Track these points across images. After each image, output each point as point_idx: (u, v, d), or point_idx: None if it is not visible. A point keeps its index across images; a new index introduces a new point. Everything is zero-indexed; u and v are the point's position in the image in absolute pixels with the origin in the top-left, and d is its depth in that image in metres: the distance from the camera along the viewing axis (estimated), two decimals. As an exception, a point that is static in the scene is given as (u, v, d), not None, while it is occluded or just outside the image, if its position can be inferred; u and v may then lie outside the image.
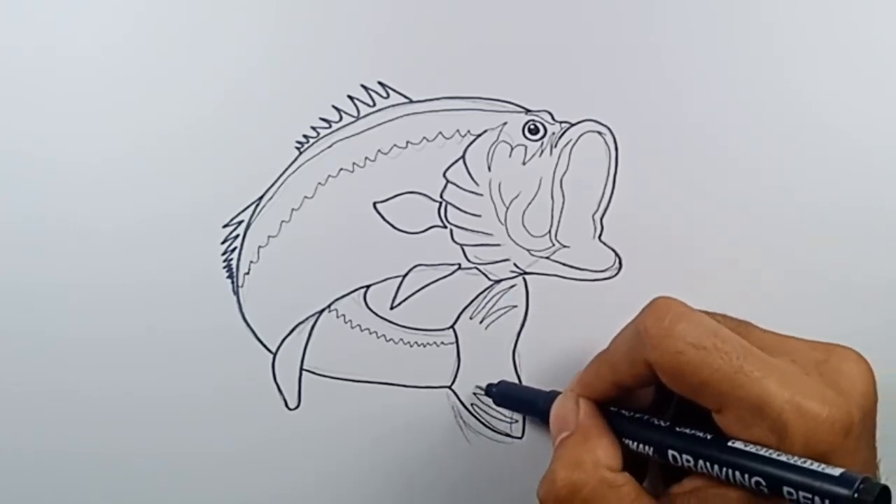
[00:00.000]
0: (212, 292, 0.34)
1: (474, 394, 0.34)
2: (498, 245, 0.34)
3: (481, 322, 0.34)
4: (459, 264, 0.34)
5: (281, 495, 0.36)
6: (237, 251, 0.34)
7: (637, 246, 0.33)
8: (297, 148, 0.33)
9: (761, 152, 0.33)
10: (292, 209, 0.34)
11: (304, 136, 0.33)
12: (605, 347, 0.29)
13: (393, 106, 0.33)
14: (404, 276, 0.34)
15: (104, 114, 0.33)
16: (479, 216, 0.33)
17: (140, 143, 0.33)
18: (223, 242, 0.34)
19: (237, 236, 0.34)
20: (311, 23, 0.33)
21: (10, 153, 0.33)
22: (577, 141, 0.33)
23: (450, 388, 0.35)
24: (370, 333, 0.35)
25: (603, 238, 0.33)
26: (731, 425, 0.24)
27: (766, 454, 0.23)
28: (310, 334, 0.34)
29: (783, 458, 0.22)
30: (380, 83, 0.33)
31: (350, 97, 0.33)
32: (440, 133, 0.33)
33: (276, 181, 0.33)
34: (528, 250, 0.34)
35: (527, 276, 0.34)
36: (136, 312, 0.34)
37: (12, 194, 0.33)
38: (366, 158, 0.33)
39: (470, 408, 0.35)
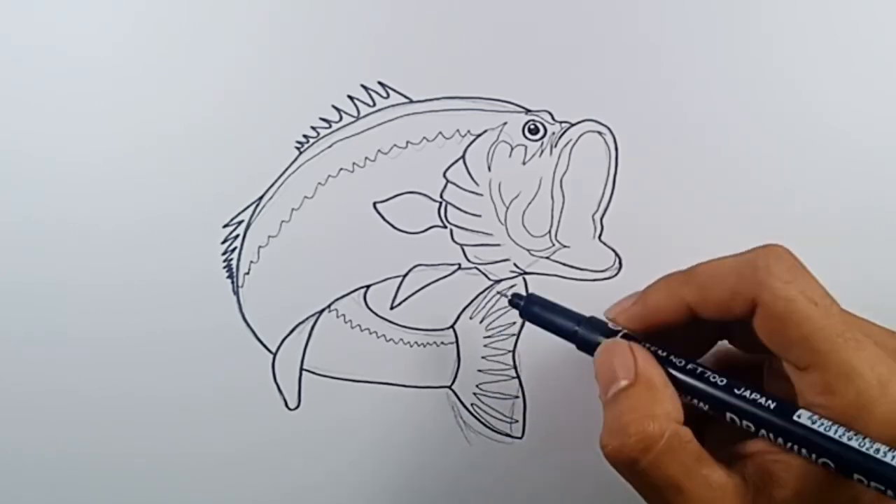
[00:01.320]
0: (212, 292, 0.34)
1: (498, 293, 0.33)
2: (498, 245, 0.34)
3: (481, 322, 0.34)
4: (459, 264, 0.34)
5: (281, 495, 0.36)
6: (237, 251, 0.34)
7: (637, 246, 0.33)
8: (297, 148, 0.33)
9: (761, 152, 0.33)
10: (292, 209, 0.34)
11: (304, 136, 0.33)
12: (681, 272, 0.27)
13: (393, 106, 0.33)
14: (404, 276, 0.34)
15: (104, 114, 0.33)
16: (479, 216, 0.33)
17: (140, 143, 0.33)
18: (223, 242, 0.34)
19: (237, 236, 0.34)
20: (311, 23, 0.33)
21: (11, 153, 0.33)
22: (577, 141, 0.33)
23: (450, 388, 0.35)
24: (370, 333, 0.35)
25: (603, 238, 0.33)
26: (813, 388, 0.24)
27: (838, 437, 0.22)
28: (310, 334, 0.34)
29: (855, 442, 0.22)
30: (380, 83, 0.33)
31: (350, 97, 0.33)
32: (440, 133, 0.33)
33: (276, 181, 0.33)
34: (528, 250, 0.34)
35: (527, 276, 0.34)
36: (137, 312, 0.34)
37: (14, 194, 0.33)
38: (366, 158, 0.33)
39: (470, 408, 0.35)
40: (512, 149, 0.33)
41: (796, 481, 0.24)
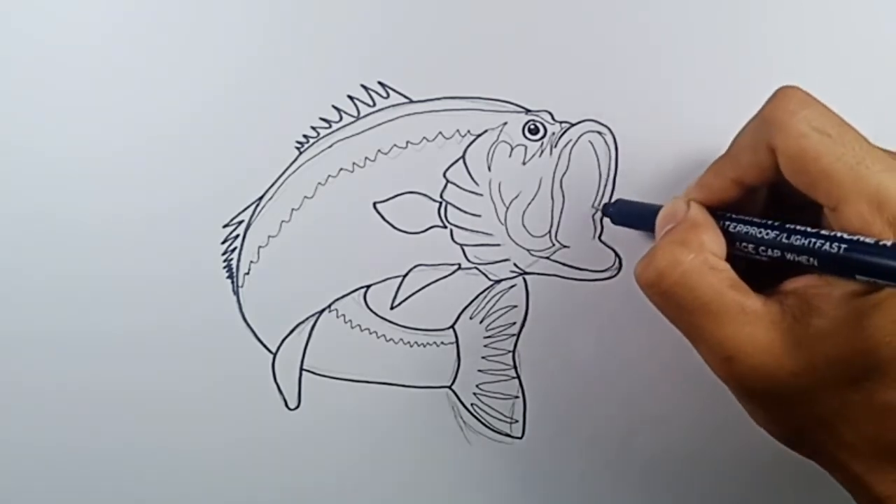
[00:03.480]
0: (212, 292, 0.34)
1: (594, 215, 0.33)
2: (498, 245, 0.34)
3: (481, 322, 0.34)
4: (459, 264, 0.34)
5: (281, 495, 0.36)
6: (237, 251, 0.34)
7: (637, 246, 0.33)
8: (297, 148, 0.33)
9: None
10: (292, 209, 0.34)
11: (304, 136, 0.33)
12: (727, 150, 0.28)
13: (393, 106, 0.33)
14: (404, 276, 0.34)
15: (104, 113, 0.33)
16: (479, 216, 0.33)
17: (140, 142, 0.33)
18: (223, 242, 0.34)
19: (237, 236, 0.34)
20: (312, 23, 0.33)
21: (12, 152, 0.33)
22: (577, 141, 0.33)
23: (450, 388, 0.35)
24: (370, 333, 0.35)
25: (603, 238, 0.33)
26: (847, 222, 0.23)
27: (888, 243, 0.22)
28: (310, 334, 0.34)
29: None
30: (380, 83, 0.33)
31: (350, 97, 0.33)
32: (440, 133, 0.33)
33: (276, 181, 0.33)
34: (528, 250, 0.34)
35: (527, 276, 0.34)
36: (136, 312, 0.34)
37: (15, 194, 0.33)
38: (366, 158, 0.33)
39: (470, 408, 0.35)
40: (512, 149, 0.33)
41: (835, 311, 0.24)
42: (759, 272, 0.27)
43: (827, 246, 0.23)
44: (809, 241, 0.24)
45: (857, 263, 0.23)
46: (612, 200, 0.33)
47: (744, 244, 0.26)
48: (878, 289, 0.23)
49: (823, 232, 0.24)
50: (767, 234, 0.26)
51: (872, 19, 0.33)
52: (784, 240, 0.25)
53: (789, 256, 0.25)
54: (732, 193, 0.27)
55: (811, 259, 0.24)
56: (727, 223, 0.27)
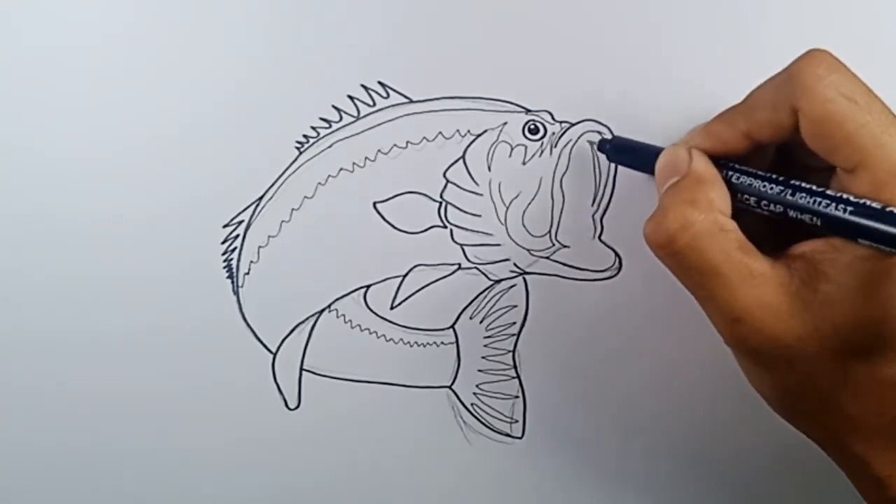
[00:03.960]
0: (212, 292, 0.34)
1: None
2: (498, 245, 0.34)
3: (481, 322, 0.34)
4: (459, 264, 0.34)
5: (281, 495, 0.36)
6: (237, 251, 0.34)
7: (637, 246, 0.33)
8: (297, 148, 0.33)
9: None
10: (292, 209, 0.34)
11: (304, 136, 0.33)
12: (740, 102, 0.28)
13: (393, 106, 0.33)
14: (404, 276, 0.34)
15: (104, 113, 0.33)
16: (479, 216, 0.33)
17: (140, 142, 0.33)
18: (223, 242, 0.34)
19: (237, 236, 0.34)
20: (312, 23, 0.33)
21: (12, 152, 0.33)
22: (577, 141, 0.33)
23: (450, 388, 0.35)
24: (370, 333, 0.35)
25: (603, 238, 0.33)
26: (864, 187, 0.23)
27: (895, 210, 0.22)
28: (310, 334, 0.34)
29: None
30: (380, 83, 0.33)
31: (350, 97, 0.33)
32: (440, 133, 0.33)
33: (276, 181, 0.33)
34: (528, 250, 0.34)
35: (527, 276, 0.34)
36: (136, 312, 0.34)
37: (15, 194, 0.33)
38: (366, 158, 0.33)
39: (470, 408, 0.35)
40: (512, 149, 0.33)
41: (841, 276, 0.24)
42: (761, 229, 0.26)
43: (833, 208, 0.23)
44: (814, 200, 0.24)
45: (861, 228, 0.23)
46: (610, 138, 0.32)
47: (746, 196, 0.26)
48: (884, 257, 0.23)
49: (829, 192, 0.24)
50: (772, 188, 0.25)
51: (872, 19, 0.33)
52: (788, 196, 0.25)
53: (792, 214, 0.25)
54: (740, 146, 0.27)
55: (814, 218, 0.24)
56: (730, 173, 0.27)
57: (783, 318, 0.24)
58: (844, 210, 0.23)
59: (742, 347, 0.25)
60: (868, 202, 0.23)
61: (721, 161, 0.27)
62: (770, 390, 0.27)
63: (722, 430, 0.35)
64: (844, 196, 0.23)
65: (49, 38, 0.33)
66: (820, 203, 0.24)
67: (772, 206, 0.25)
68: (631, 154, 0.31)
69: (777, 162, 0.29)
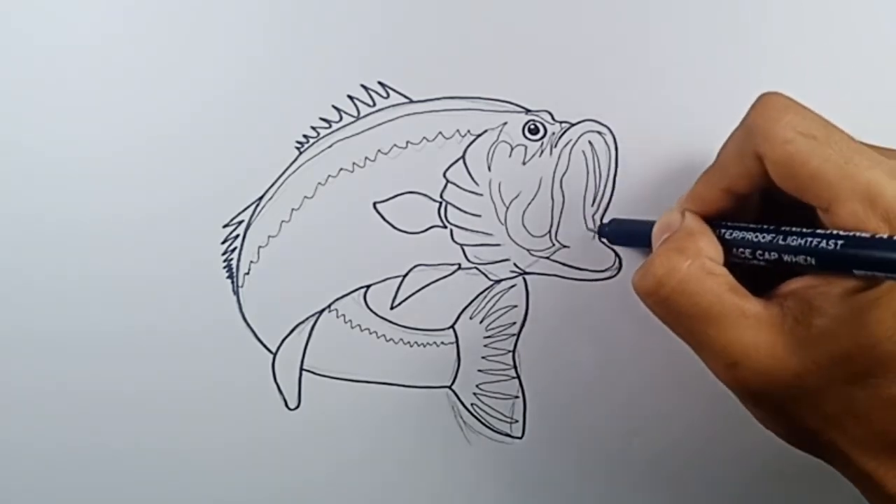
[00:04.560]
0: (212, 292, 0.34)
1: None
2: (498, 245, 0.34)
3: (481, 322, 0.34)
4: (459, 264, 0.34)
5: (281, 495, 0.36)
6: (237, 251, 0.34)
7: (637, 246, 0.33)
8: (297, 148, 0.33)
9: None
10: (292, 209, 0.34)
11: (304, 136, 0.33)
12: (713, 162, 0.28)
13: (393, 106, 0.33)
14: (404, 276, 0.34)
15: (103, 113, 0.33)
16: (479, 216, 0.33)
17: (140, 142, 0.33)
18: (223, 242, 0.34)
19: (237, 236, 0.34)
20: (312, 23, 0.33)
21: (12, 152, 0.33)
22: (577, 141, 0.33)
23: (450, 388, 0.35)
24: (370, 333, 0.35)
25: (603, 238, 0.33)
26: (841, 221, 0.23)
27: (884, 236, 0.22)
28: (310, 334, 0.34)
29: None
30: (380, 83, 0.33)
31: (350, 97, 0.33)
32: (440, 133, 0.33)
33: (276, 181, 0.33)
34: (528, 250, 0.34)
35: (527, 276, 0.34)
36: (136, 312, 0.34)
37: (15, 194, 0.33)
38: (366, 158, 0.33)
39: (470, 408, 0.35)
40: (512, 149, 0.33)
41: (835, 309, 0.23)
42: (756, 278, 0.26)
43: (824, 243, 0.23)
44: (806, 241, 0.24)
45: (855, 258, 0.23)
46: (608, 221, 0.33)
47: (741, 250, 0.26)
48: (877, 283, 0.23)
49: (819, 231, 0.24)
50: (763, 237, 0.25)
51: (872, 19, 0.33)
52: (780, 241, 0.25)
53: (787, 258, 0.25)
54: (724, 203, 0.27)
55: (809, 258, 0.24)
56: (723, 230, 0.27)
57: (780, 358, 0.24)
58: (836, 244, 0.23)
59: (742, 390, 0.25)
60: (857, 233, 0.23)
61: (713, 221, 0.28)
62: (776, 426, 0.27)
63: (722, 430, 0.35)
64: (834, 232, 0.23)
65: (49, 38, 0.33)
66: (812, 242, 0.24)
67: (766, 255, 0.25)
68: (630, 233, 0.32)
69: (765, 210, 0.29)
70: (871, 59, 0.33)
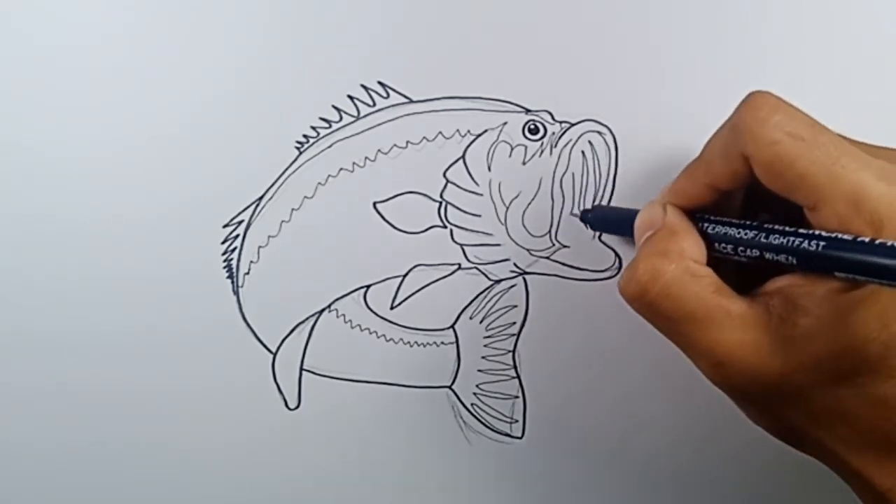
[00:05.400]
0: (212, 292, 0.34)
1: (573, 214, 0.33)
2: (498, 245, 0.34)
3: (481, 322, 0.34)
4: (459, 264, 0.34)
5: (281, 495, 0.36)
6: (237, 251, 0.34)
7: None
8: (297, 148, 0.33)
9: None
10: (292, 209, 0.34)
11: (304, 136, 0.33)
12: (700, 154, 0.28)
13: (393, 106, 0.33)
14: (404, 276, 0.34)
15: (104, 113, 0.33)
16: (479, 216, 0.33)
17: (140, 142, 0.33)
18: (223, 242, 0.34)
19: (237, 236, 0.34)
20: (312, 23, 0.33)
21: (12, 152, 0.33)
22: (577, 141, 0.33)
23: (450, 388, 0.35)
24: (370, 333, 0.35)
25: (603, 238, 0.33)
26: (826, 222, 0.23)
27: (865, 240, 0.22)
28: (310, 334, 0.34)
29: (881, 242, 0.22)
30: (380, 83, 0.33)
31: (350, 97, 0.33)
32: (440, 133, 0.33)
33: (276, 181, 0.33)
34: (528, 250, 0.34)
35: (527, 276, 0.34)
36: (136, 312, 0.34)
37: (15, 194, 0.33)
38: (366, 158, 0.33)
39: (470, 408, 0.35)
40: (512, 149, 0.33)
41: (819, 309, 0.24)
42: (743, 272, 0.27)
43: (805, 244, 0.23)
44: (788, 240, 0.24)
45: (835, 260, 0.23)
46: (590, 207, 0.33)
47: (723, 245, 0.26)
48: (859, 285, 0.23)
49: (801, 231, 0.24)
50: (746, 234, 0.25)
51: (872, 19, 0.33)
52: (763, 239, 0.25)
53: (768, 256, 0.25)
54: (707, 198, 0.27)
55: (790, 258, 0.24)
56: (705, 224, 0.27)
57: (765, 356, 0.24)
58: (817, 245, 0.23)
59: (729, 389, 0.26)
60: (839, 235, 0.23)
61: (696, 214, 0.28)
62: (768, 424, 0.27)
63: (721, 430, 0.35)
64: (816, 232, 0.23)
65: (49, 38, 0.33)
66: (793, 242, 0.24)
67: (748, 252, 0.25)
68: (612, 220, 0.32)
69: (748, 204, 0.29)
70: (871, 59, 0.33)
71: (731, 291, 0.25)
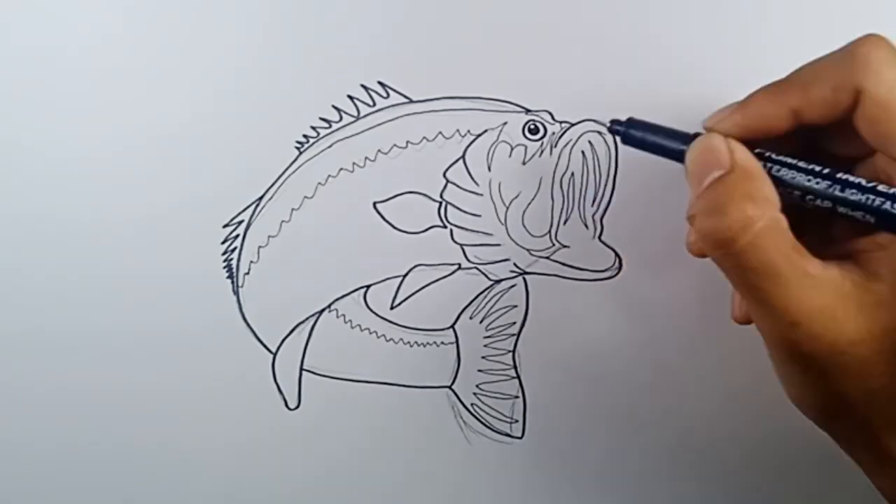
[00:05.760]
0: (212, 292, 0.34)
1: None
2: (498, 245, 0.34)
3: (481, 322, 0.34)
4: (459, 264, 0.34)
5: (281, 495, 0.36)
6: (237, 251, 0.34)
7: (637, 246, 0.33)
8: (297, 148, 0.33)
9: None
10: (292, 209, 0.34)
11: (304, 136, 0.33)
12: (779, 79, 0.26)
13: (393, 106, 0.33)
14: (404, 276, 0.34)
15: (104, 113, 0.33)
16: (479, 216, 0.33)
17: (140, 142, 0.33)
18: (223, 242, 0.34)
19: (237, 236, 0.34)
20: (312, 23, 0.33)
21: (12, 152, 0.33)
22: (577, 141, 0.33)
23: (450, 388, 0.35)
24: (370, 333, 0.35)
25: (603, 238, 0.33)
26: None
27: None
28: (310, 334, 0.34)
29: None
30: (380, 83, 0.33)
31: (350, 97, 0.33)
32: (440, 133, 0.33)
33: (276, 181, 0.33)
34: (528, 250, 0.34)
35: (527, 276, 0.34)
36: (136, 312, 0.34)
37: (15, 194, 0.33)
38: (366, 158, 0.33)
39: (470, 408, 0.35)
40: (512, 149, 0.33)
41: (893, 275, 0.23)
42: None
43: (888, 205, 0.23)
44: (867, 198, 0.23)
45: None
46: (625, 119, 0.29)
47: (788, 190, 0.25)
48: None
49: (881, 188, 0.23)
50: (818, 182, 0.24)
51: (872, 19, 0.33)
52: (838, 192, 0.24)
53: (841, 210, 0.24)
54: (782, 125, 0.25)
55: (866, 215, 0.23)
56: (769, 165, 0.25)
57: (838, 322, 0.23)
58: None
59: (795, 353, 0.24)
60: None
61: (756, 150, 0.25)
62: (816, 396, 0.25)
63: (721, 430, 0.35)
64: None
65: (49, 38, 0.33)
66: (873, 200, 0.23)
67: (818, 202, 0.24)
68: (650, 137, 0.28)
69: (795, 145, 0.27)
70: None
71: (806, 251, 0.24)
